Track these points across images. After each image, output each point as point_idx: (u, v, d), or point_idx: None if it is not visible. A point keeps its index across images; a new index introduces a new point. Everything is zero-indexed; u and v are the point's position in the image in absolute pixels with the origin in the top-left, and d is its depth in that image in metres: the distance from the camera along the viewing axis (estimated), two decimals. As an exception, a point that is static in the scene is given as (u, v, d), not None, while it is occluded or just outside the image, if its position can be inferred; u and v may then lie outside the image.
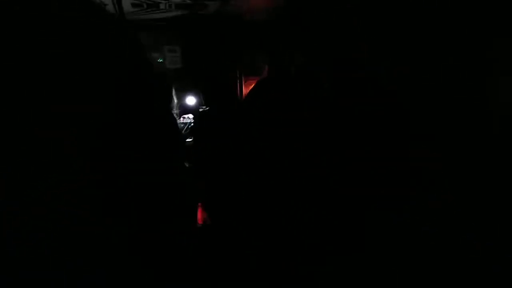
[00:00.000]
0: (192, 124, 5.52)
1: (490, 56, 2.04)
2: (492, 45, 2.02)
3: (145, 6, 5.47)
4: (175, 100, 4.44)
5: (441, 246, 2.04)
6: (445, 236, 2.03)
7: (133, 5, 5.40)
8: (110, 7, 5.39)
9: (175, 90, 6.92)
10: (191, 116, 5.72)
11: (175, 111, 4.86)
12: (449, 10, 2.15)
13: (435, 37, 2.25)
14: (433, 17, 2.25)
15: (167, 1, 4.95)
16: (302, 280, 2.25)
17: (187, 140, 4.84)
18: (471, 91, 2.09)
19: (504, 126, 1.92)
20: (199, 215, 2.75)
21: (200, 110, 5.25)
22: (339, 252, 2.27)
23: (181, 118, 5.66)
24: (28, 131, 1.47)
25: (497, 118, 1.97)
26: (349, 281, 2.21)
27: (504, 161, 1.90)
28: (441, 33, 2.21)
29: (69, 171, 1.58)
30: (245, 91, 6.64)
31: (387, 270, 2.14)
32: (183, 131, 5.41)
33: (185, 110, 5.88)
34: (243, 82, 6.54)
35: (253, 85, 6.43)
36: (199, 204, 2.79)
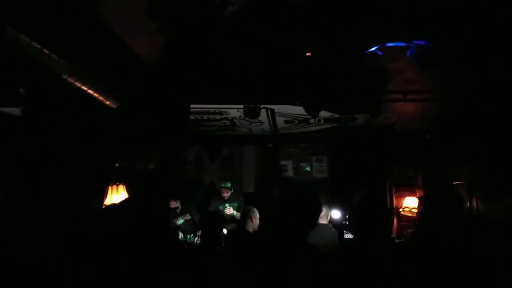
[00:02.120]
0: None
1: None
2: None
3: (296, 122, 5.94)
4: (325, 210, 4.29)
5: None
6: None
7: (286, 121, 5.93)
8: (266, 125, 6.04)
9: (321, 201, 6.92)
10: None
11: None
12: None
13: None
14: None
15: (316, 117, 5.26)
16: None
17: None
18: None
19: None
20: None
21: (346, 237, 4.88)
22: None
23: None
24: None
25: None
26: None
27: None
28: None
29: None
30: (396, 202, 6.21)
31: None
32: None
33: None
34: (393, 194, 6.16)
35: (406, 198, 5.95)
36: None
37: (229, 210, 5.75)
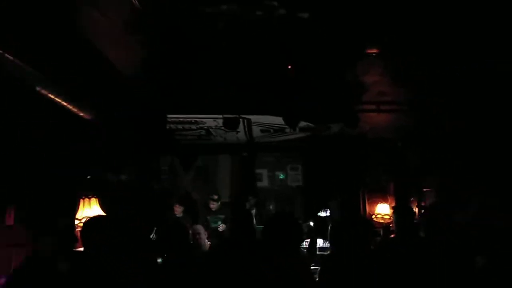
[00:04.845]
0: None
1: None
2: None
3: (272, 131, 5.98)
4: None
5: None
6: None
7: (262, 131, 5.95)
8: (241, 134, 6.03)
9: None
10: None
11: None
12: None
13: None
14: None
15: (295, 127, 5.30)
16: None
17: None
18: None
19: None
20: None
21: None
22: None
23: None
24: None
25: None
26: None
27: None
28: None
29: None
30: (369, 209, 6.35)
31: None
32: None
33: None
34: (366, 201, 6.30)
35: (378, 204, 6.10)
36: None
37: (222, 227, 5.67)
